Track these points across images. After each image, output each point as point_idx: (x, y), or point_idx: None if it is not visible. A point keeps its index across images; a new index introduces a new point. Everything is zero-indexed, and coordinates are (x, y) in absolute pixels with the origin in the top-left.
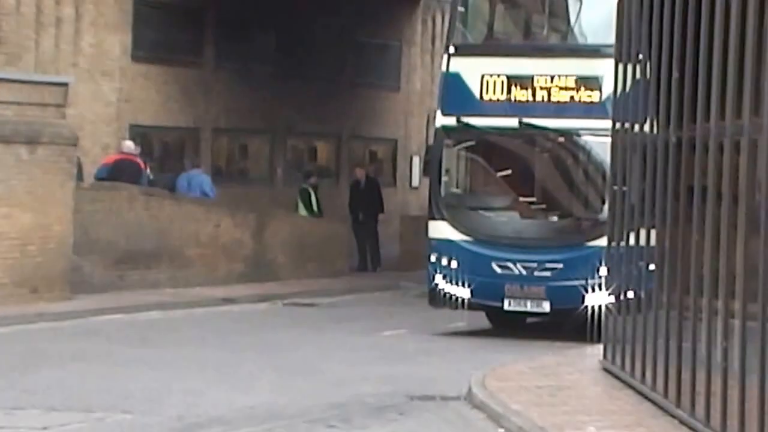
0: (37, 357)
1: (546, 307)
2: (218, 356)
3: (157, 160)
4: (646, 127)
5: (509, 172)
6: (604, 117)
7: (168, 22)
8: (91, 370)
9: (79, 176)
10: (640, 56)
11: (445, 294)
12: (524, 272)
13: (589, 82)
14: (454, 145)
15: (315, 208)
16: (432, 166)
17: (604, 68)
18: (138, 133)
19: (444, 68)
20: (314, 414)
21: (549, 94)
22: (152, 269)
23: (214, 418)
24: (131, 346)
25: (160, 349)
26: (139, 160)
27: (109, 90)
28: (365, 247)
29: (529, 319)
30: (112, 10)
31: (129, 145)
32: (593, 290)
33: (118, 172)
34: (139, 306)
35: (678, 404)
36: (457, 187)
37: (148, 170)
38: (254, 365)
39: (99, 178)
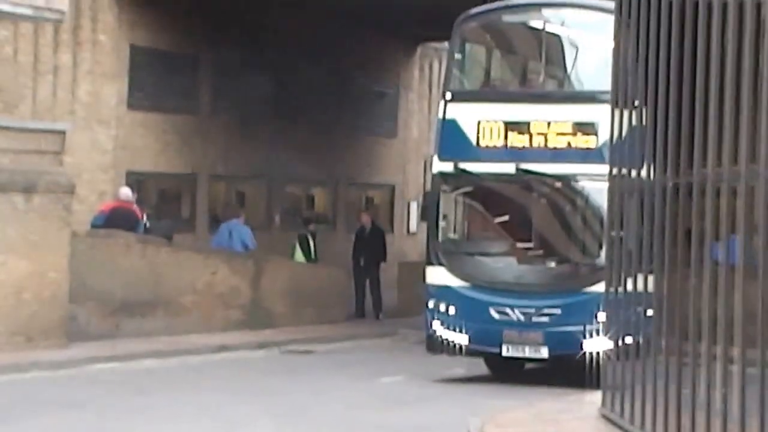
0: (32, 406)
1: (544, 352)
2: (213, 405)
3: (154, 206)
4: (643, 173)
5: (506, 217)
6: (600, 162)
7: (164, 70)
8: (86, 419)
9: None
10: (636, 102)
11: (443, 340)
12: (522, 318)
13: (585, 127)
14: (452, 191)
15: (313, 254)
16: (429, 212)
17: (600, 114)
18: (135, 180)
19: (441, 114)
20: None
21: (546, 140)
22: (148, 317)
23: None
24: (126, 394)
25: (155, 398)
26: (136, 208)
27: (105, 137)
28: (364, 293)
29: (528, 365)
30: (109, 59)
31: (126, 192)
32: (591, 336)
33: (115, 219)
34: (134, 354)
35: None
36: (455, 233)
37: (145, 217)
38: (251, 413)
39: (95, 226)
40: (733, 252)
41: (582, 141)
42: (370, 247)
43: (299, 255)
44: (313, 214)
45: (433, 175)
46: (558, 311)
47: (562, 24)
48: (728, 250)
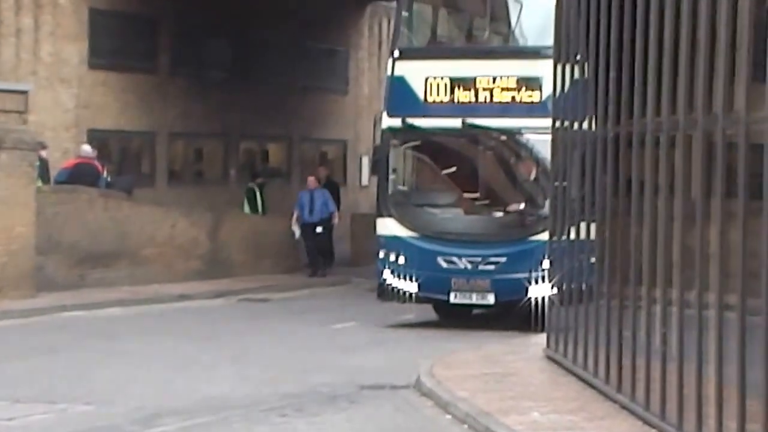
0: (3, 352)
1: (491, 299)
2: (176, 350)
3: (115, 163)
4: (585, 125)
5: (454, 170)
6: (544, 116)
7: (124, 31)
8: (55, 364)
9: (46, 176)
10: (579, 56)
11: (393, 288)
12: (469, 266)
13: (529, 82)
14: (401, 145)
15: (259, 206)
16: (379, 166)
17: (544, 69)
18: (96, 138)
19: (389, 71)
20: (269, 403)
21: (491, 95)
22: (112, 268)
23: (173, 408)
24: (93, 341)
25: (120, 344)
26: (97, 164)
27: (67, 97)
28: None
29: (475, 311)
30: (70, 20)
31: (86, 149)
32: (536, 282)
33: (78, 175)
34: (99, 303)
35: (619, 389)
36: (404, 186)
37: (106, 173)
38: (211, 358)
39: (59, 182)
40: None
41: (526, 95)
42: None
43: (246, 207)
44: (261, 168)
45: (383, 131)
46: (504, 259)
47: None
48: None
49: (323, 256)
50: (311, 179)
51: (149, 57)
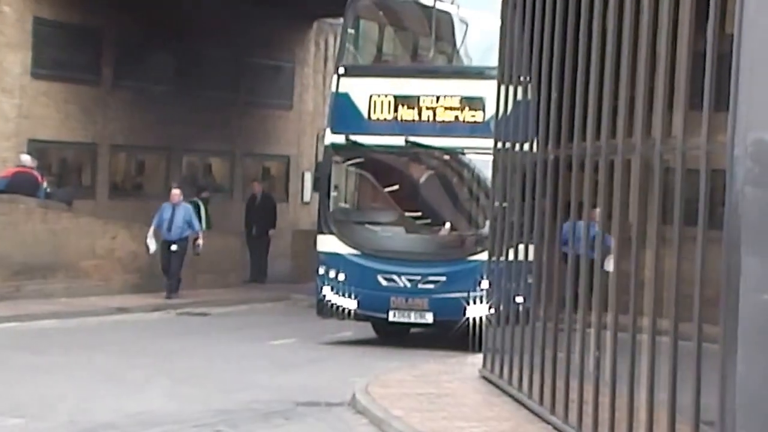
0: None
1: (429, 318)
2: (111, 363)
3: (55, 174)
4: (527, 146)
5: (395, 188)
6: (487, 136)
7: (67, 42)
8: None
9: None
10: (522, 78)
11: (332, 305)
12: (408, 285)
13: (472, 102)
14: (343, 162)
15: (204, 221)
16: (321, 183)
17: (487, 89)
18: (37, 149)
19: (334, 88)
20: (203, 419)
21: (434, 114)
22: (48, 280)
23: (106, 423)
24: (26, 353)
25: (54, 357)
26: (36, 174)
27: (9, 106)
28: (257, 259)
29: (413, 330)
30: (13, 29)
31: (26, 159)
32: (474, 303)
33: (16, 184)
34: (34, 315)
35: (552, 411)
36: (346, 203)
37: (45, 183)
38: (146, 372)
39: None
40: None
41: (469, 115)
42: (261, 215)
43: None
44: (205, 183)
45: (326, 147)
46: (443, 279)
47: (452, 2)
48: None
49: (168, 278)
50: (175, 192)
51: (92, 68)
